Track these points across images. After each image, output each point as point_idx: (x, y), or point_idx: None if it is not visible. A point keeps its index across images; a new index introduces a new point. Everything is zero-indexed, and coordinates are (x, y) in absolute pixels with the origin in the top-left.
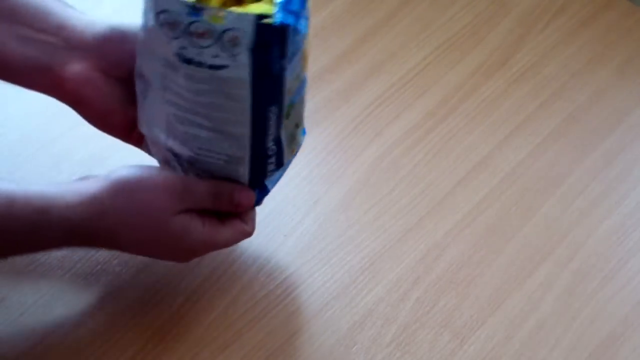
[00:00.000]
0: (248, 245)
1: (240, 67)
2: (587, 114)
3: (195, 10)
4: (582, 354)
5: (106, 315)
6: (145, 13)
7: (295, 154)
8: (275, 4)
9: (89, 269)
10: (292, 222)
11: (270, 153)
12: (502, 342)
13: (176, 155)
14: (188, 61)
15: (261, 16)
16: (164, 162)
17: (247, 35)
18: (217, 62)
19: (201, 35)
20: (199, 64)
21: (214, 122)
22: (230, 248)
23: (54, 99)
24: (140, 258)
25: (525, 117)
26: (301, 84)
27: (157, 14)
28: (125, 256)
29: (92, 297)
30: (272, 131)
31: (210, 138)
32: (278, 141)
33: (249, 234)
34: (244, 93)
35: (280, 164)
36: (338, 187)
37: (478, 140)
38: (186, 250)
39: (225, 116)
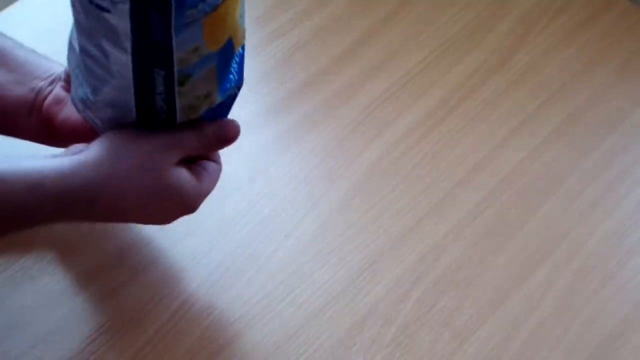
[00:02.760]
0: (248, 245)
1: (120, 17)
2: (586, 115)
3: None
4: (582, 354)
5: (106, 315)
6: None
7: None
8: None
9: (89, 269)
10: (292, 222)
11: (158, 110)
12: (502, 342)
13: (87, 105)
14: None
15: None
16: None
17: None
18: (102, 4)
19: None
20: (90, 1)
21: (103, 70)
22: (230, 248)
23: (41, 143)
24: (139, 258)
25: (525, 118)
26: (203, 59)
27: None
28: (124, 256)
29: (92, 297)
30: (160, 91)
31: (100, 87)
32: (170, 103)
33: (221, 169)
34: (126, 45)
35: (172, 123)
36: (338, 187)
37: (478, 141)
38: (185, 204)
39: (112, 65)
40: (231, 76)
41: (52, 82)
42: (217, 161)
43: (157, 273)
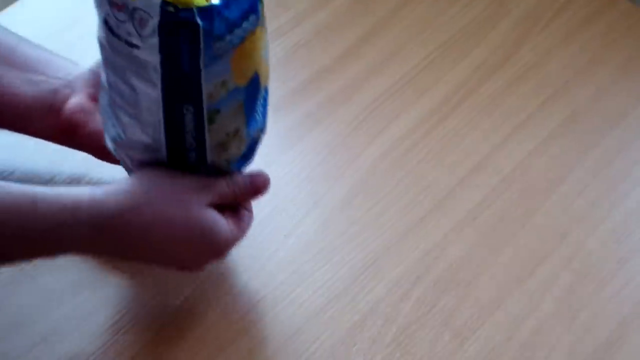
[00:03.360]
0: (249, 244)
1: (150, 51)
2: (587, 114)
3: None
4: (582, 354)
5: (106, 315)
6: None
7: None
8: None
9: (90, 269)
10: (293, 221)
11: (188, 147)
12: (502, 342)
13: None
14: (111, 30)
15: (169, 2)
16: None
17: (154, 19)
18: (131, 40)
19: (119, 8)
20: (119, 37)
21: (133, 107)
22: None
23: (53, 141)
24: None
25: (526, 117)
26: (230, 93)
27: None
28: None
29: (92, 298)
30: (190, 128)
31: (130, 124)
32: (200, 140)
33: (252, 217)
34: (156, 80)
35: (202, 161)
36: (339, 187)
37: (478, 140)
38: (215, 244)
39: (142, 102)
40: (257, 116)
41: (69, 83)
42: (248, 209)
43: (157, 273)
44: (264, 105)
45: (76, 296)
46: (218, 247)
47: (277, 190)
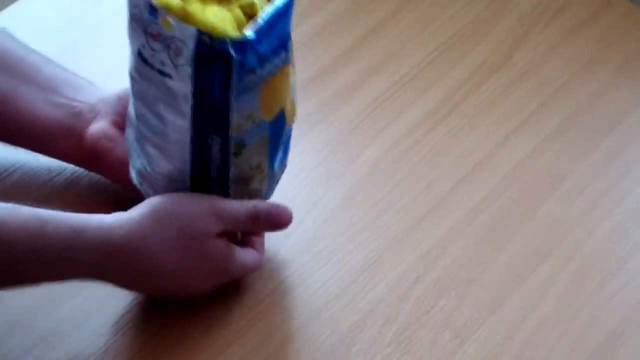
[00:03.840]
0: None
1: (182, 81)
2: (587, 114)
3: (153, 10)
4: (582, 354)
5: (106, 316)
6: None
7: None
8: (249, 30)
9: None
10: (293, 221)
11: (212, 181)
12: (502, 342)
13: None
14: (145, 60)
15: (204, 33)
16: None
17: (188, 47)
18: (164, 69)
19: (155, 38)
20: (152, 67)
21: (160, 138)
22: None
23: (73, 164)
24: None
25: (526, 117)
26: (256, 127)
27: (130, 7)
28: None
29: (92, 298)
30: (215, 161)
31: (156, 156)
32: (224, 173)
33: (265, 251)
34: (185, 110)
35: (224, 195)
36: (338, 187)
37: (478, 140)
38: (223, 273)
39: (169, 133)
40: (280, 154)
41: (92, 108)
42: (262, 243)
43: None
44: (286, 145)
45: (76, 296)
46: (231, 272)
47: (277, 190)
